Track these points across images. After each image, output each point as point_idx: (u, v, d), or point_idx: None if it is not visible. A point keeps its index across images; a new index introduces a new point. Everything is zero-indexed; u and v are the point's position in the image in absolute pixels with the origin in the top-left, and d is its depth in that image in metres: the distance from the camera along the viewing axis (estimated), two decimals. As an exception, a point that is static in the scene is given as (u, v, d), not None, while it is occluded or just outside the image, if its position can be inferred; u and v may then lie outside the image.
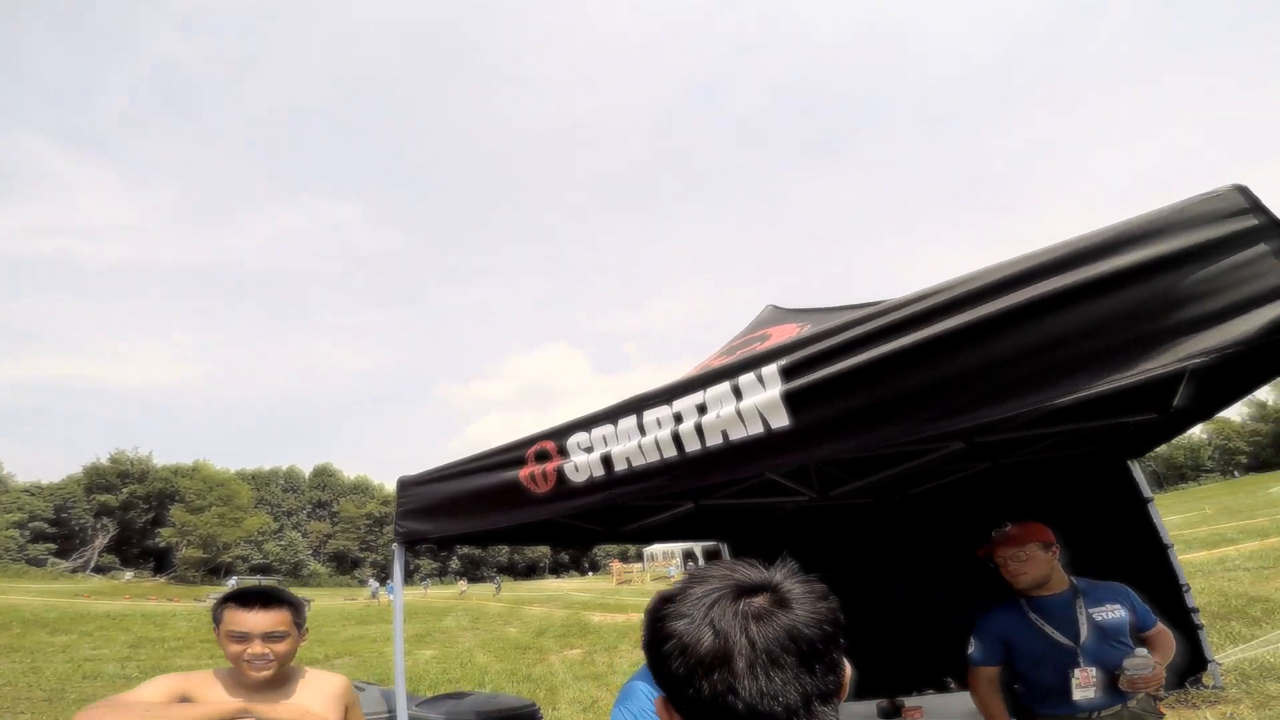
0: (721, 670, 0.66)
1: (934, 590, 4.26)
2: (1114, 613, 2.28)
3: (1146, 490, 4.10)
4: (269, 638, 1.73)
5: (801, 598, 0.71)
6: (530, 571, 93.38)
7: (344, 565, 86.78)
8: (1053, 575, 2.35)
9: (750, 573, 0.74)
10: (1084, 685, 2.18)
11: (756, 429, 1.68)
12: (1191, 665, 3.91)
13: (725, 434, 1.74)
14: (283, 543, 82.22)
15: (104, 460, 73.15)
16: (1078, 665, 2.21)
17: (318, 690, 1.86)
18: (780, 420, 1.64)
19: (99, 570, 60.68)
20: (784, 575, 0.74)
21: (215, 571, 64.80)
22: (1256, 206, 1.30)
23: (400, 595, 2.84)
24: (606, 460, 2.05)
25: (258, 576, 38.31)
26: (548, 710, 8.12)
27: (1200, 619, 3.93)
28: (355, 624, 21.46)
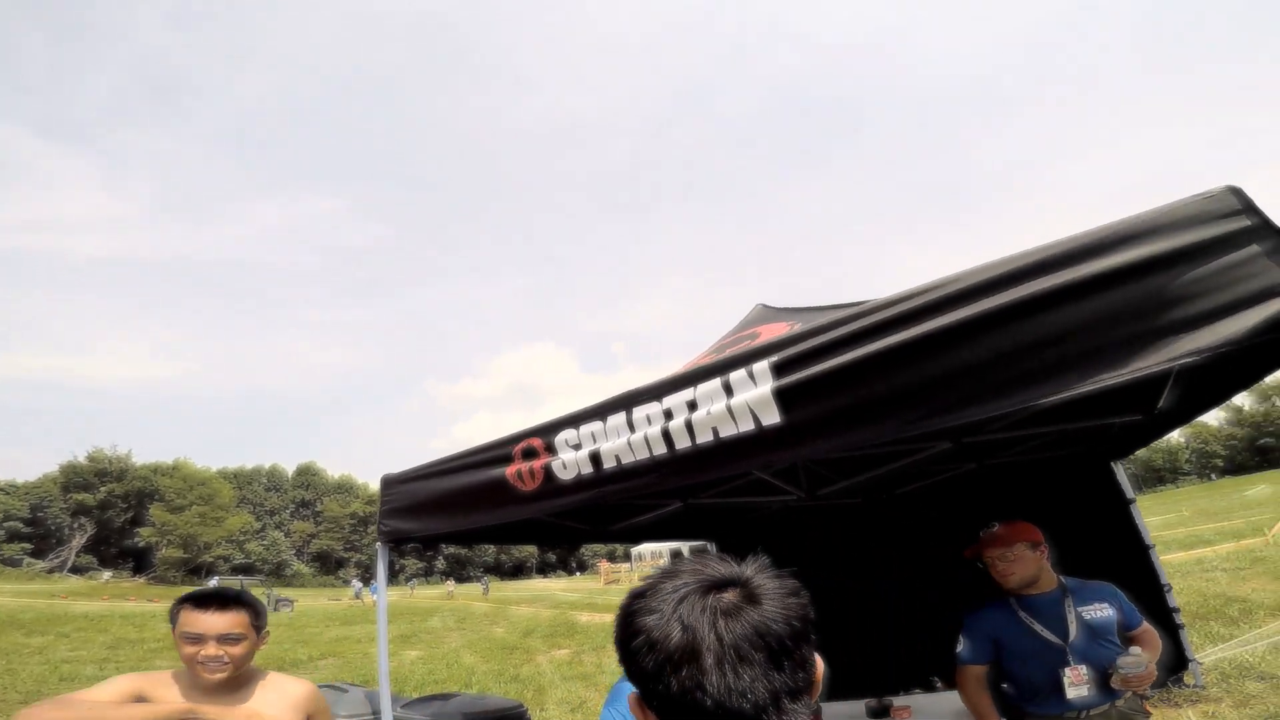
0: (690, 666, 0.65)
1: (922, 590, 4.28)
2: (1102, 611, 2.29)
3: (1129, 491, 4.15)
4: (224, 639, 1.72)
5: (771, 593, 0.70)
6: (517, 571, 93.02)
7: (328, 565, 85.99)
8: (1042, 574, 2.35)
9: (721, 568, 0.73)
10: (1077, 683, 2.18)
11: (748, 426, 1.66)
12: (1173, 664, 3.96)
13: (716, 431, 1.73)
14: (265, 542, 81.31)
15: (81, 459, 71.90)
16: (1067, 664, 2.21)
17: (279, 695, 1.84)
18: (772, 417, 1.62)
19: (76, 570, 59.57)
20: (755, 571, 0.73)
21: (196, 572, 63.92)
22: (1249, 208, 1.30)
23: (384, 595, 2.80)
24: (595, 458, 2.02)
25: (239, 577, 37.86)
26: (535, 711, 8.07)
27: (1180, 619, 3.97)
28: (339, 624, 21.24)
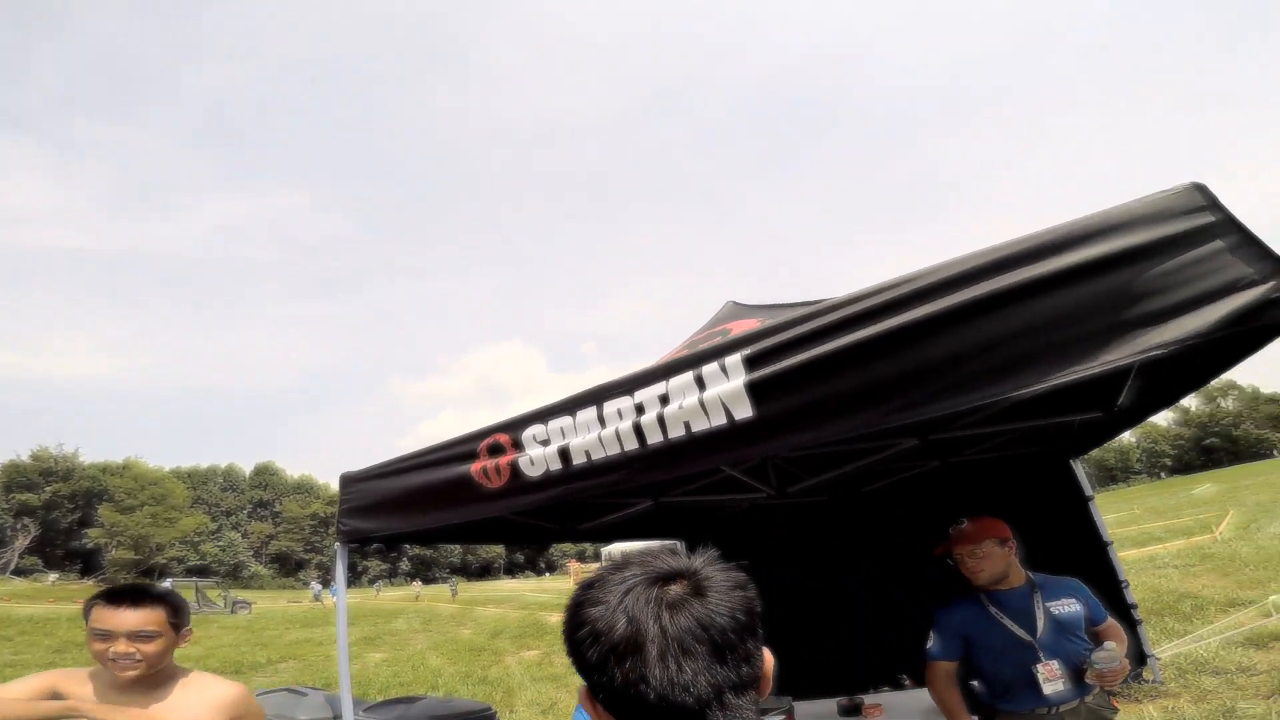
0: (633, 658, 0.65)
1: (889, 587, 4.32)
2: (1069, 606, 2.32)
3: (1088, 489, 4.25)
4: (135, 637, 1.67)
5: (717, 586, 0.70)
6: (484, 572, 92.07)
7: (287, 567, 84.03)
8: (1011, 570, 2.37)
9: (670, 561, 0.73)
10: (1050, 679, 2.20)
11: (720, 420, 1.64)
12: (1133, 660, 4.07)
13: (688, 425, 1.70)
14: (221, 544, 79.09)
15: (24, 457, 69.01)
16: (1038, 660, 2.22)
17: (201, 696, 1.78)
18: (744, 411, 1.60)
19: (19, 573, 57.00)
20: (703, 563, 0.73)
21: (148, 573, 61.78)
22: (1213, 204, 1.33)
23: (343, 596, 2.70)
24: (564, 453, 1.97)
25: (194, 579, 36.70)
26: (505, 713, 7.97)
27: (1138, 615, 4.08)
28: (300, 627, 20.71)
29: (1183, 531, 16.50)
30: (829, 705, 3.60)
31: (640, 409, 1.82)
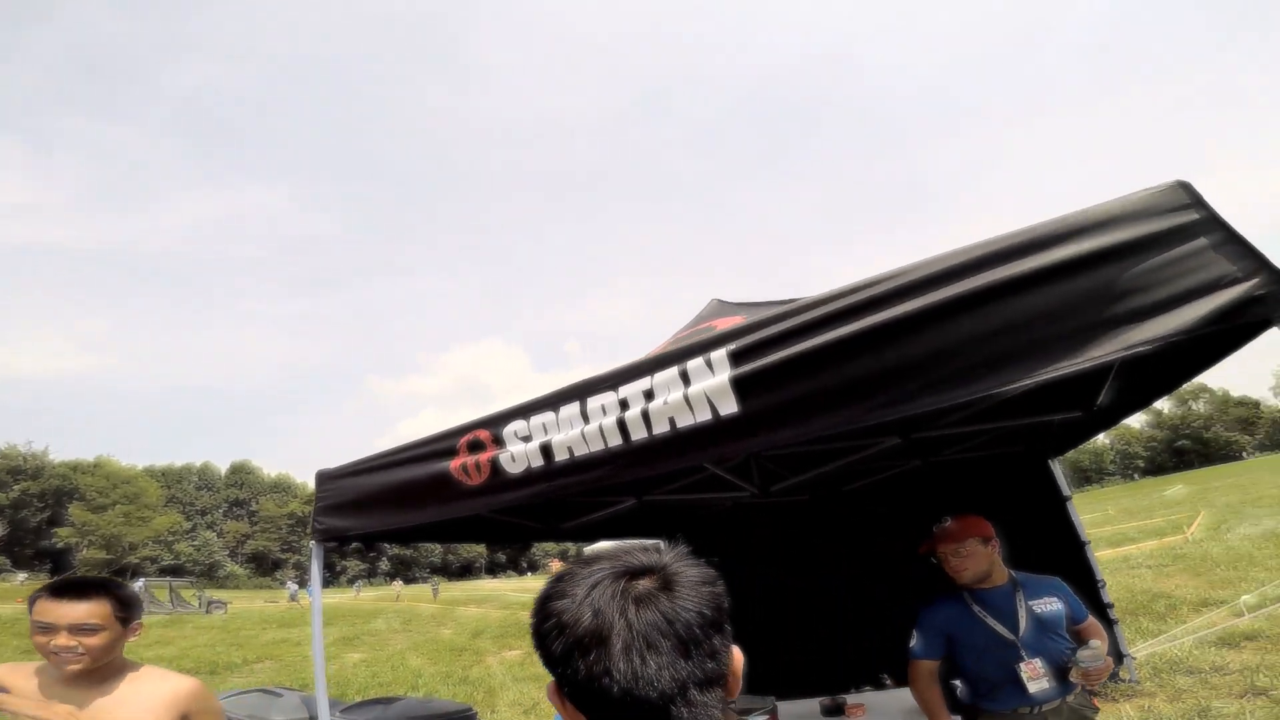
0: (598, 651, 0.65)
1: (870, 586, 4.33)
2: (1051, 605, 2.32)
3: (1065, 489, 4.30)
4: (78, 630, 1.64)
5: (685, 582, 0.70)
6: (465, 571, 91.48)
7: (264, 566, 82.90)
8: (994, 569, 2.37)
9: (641, 556, 0.73)
10: (1034, 677, 2.20)
11: (705, 416, 1.61)
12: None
13: (673, 421, 1.67)
14: (196, 543, 77.85)
15: (-8, 455, 67.36)
16: (1020, 658, 2.22)
17: (150, 691, 1.74)
18: (729, 407, 1.58)
19: (-14, 573, 55.68)
20: (673, 559, 0.73)
21: (120, 573, 60.51)
22: (1198, 202, 1.33)
23: (318, 595, 2.65)
24: (546, 449, 1.94)
25: (167, 579, 36.03)
26: (486, 713, 7.90)
27: (1114, 614, 4.13)
28: (276, 627, 20.41)
29: (1155, 532, 16.81)
30: (812, 705, 3.60)
31: (625, 404, 1.80)
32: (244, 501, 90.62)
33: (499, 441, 2.07)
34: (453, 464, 2.15)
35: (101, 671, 1.71)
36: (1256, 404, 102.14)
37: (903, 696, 3.12)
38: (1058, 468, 4.29)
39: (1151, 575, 10.41)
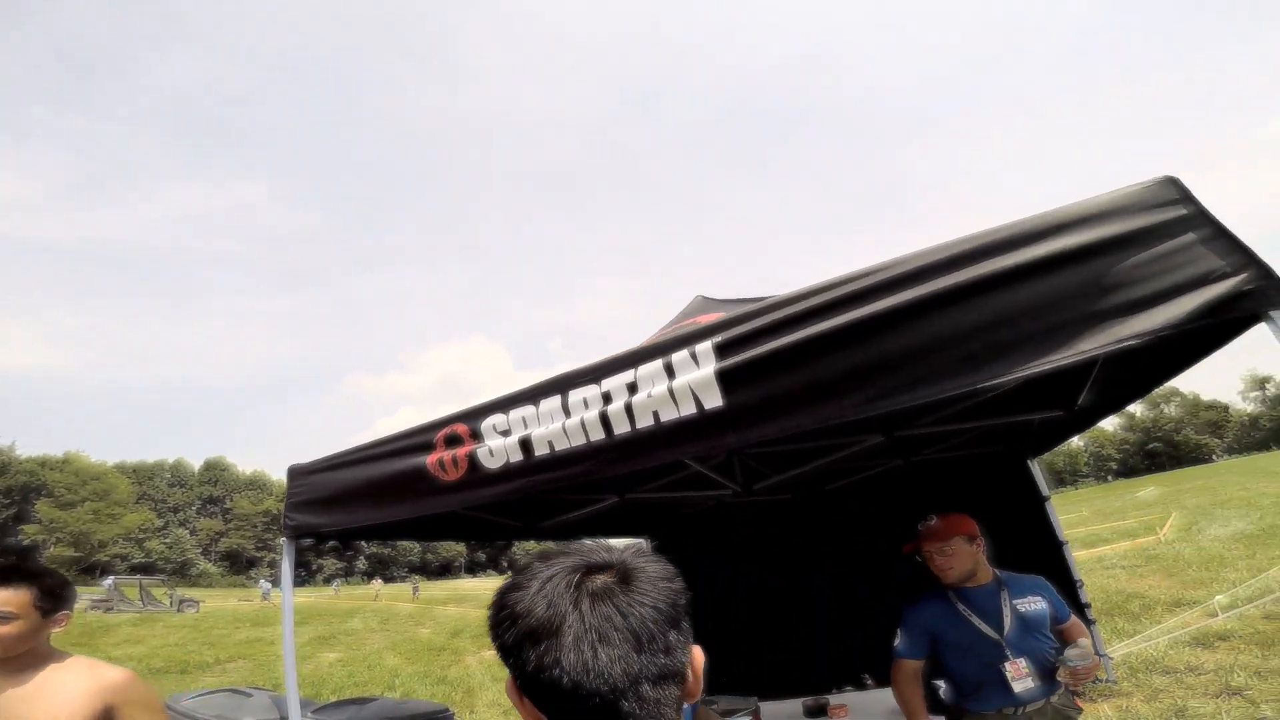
0: (549, 642, 0.65)
1: (852, 585, 4.33)
2: (1035, 604, 2.31)
3: (1044, 489, 4.33)
4: None
5: (643, 577, 0.70)
6: (444, 571, 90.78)
7: (238, 565, 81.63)
8: (978, 568, 2.35)
9: (601, 553, 0.73)
10: (1018, 677, 2.18)
11: (689, 409, 1.57)
12: (1089, 658, 4.14)
13: (657, 415, 1.63)
14: (168, 541, 76.35)
15: (-44, 450, 65.55)
16: (1005, 658, 2.20)
17: (75, 681, 1.70)
18: (714, 400, 1.54)
19: (-52, 572, 54.05)
20: (634, 555, 0.74)
21: (90, 571, 59.37)
22: (1186, 197, 1.33)
23: (289, 592, 2.57)
24: (525, 444, 1.89)
25: (137, 576, 35.32)
26: (465, 713, 7.82)
27: (1092, 614, 4.16)
28: (250, 626, 20.08)
29: (1128, 533, 17.13)
30: (795, 706, 3.58)
31: (607, 398, 1.75)
32: (218, 499, 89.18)
33: (477, 436, 2.01)
34: (429, 459, 2.09)
35: (19, 661, 1.68)
36: (1225, 408, 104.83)
37: (885, 697, 3.11)
38: (1036, 468, 4.32)
39: (1126, 576, 10.59)
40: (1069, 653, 2.13)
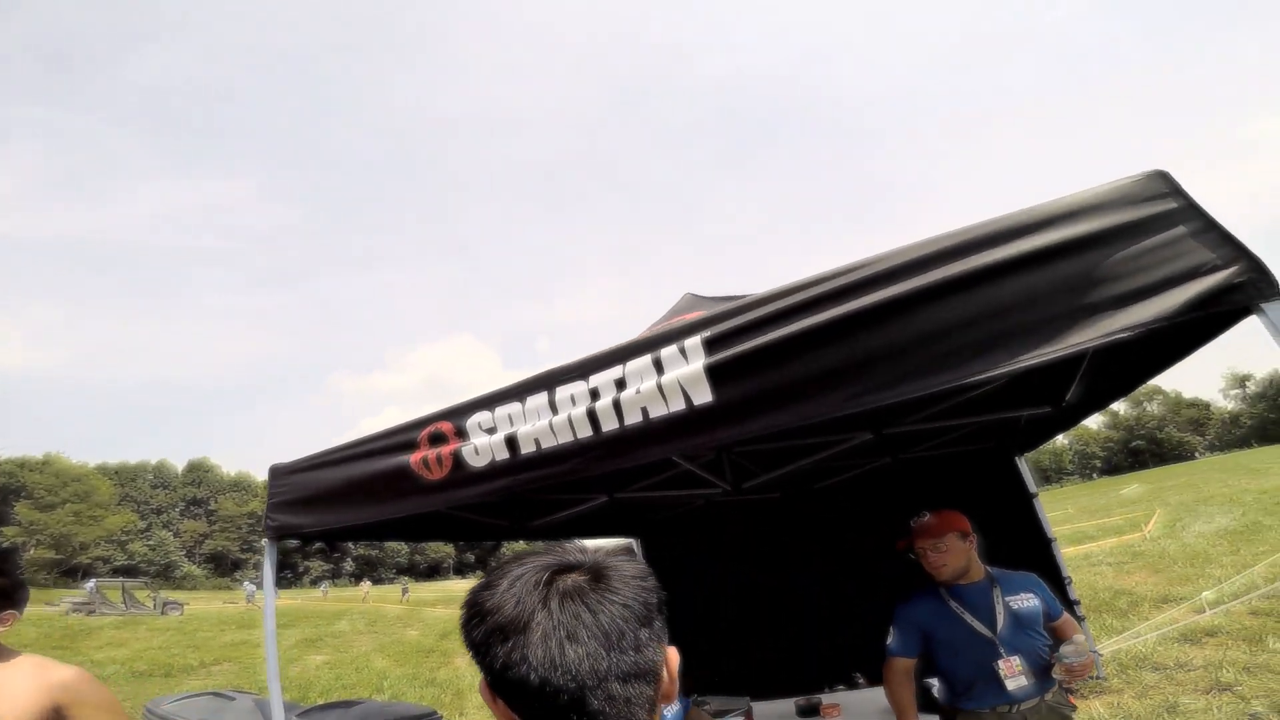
0: (516, 638, 0.65)
1: (843, 583, 4.33)
2: (1028, 601, 2.29)
3: (1032, 486, 4.34)
4: None
5: (614, 576, 0.71)
6: (433, 572, 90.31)
7: (223, 567, 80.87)
8: (971, 565, 2.33)
9: (575, 554, 0.74)
10: (1012, 675, 2.15)
11: (679, 405, 1.55)
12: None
13: (645, 411, 1.60)
14: (151, 543, 75.46)
15: (-67, 451, 64.46)
16: (999, 656, 2.18)
17: (22, 679, 1.65)
18: (703, 396, 1.52)
19: (-75, 576, 53.07)
20: (607, 555, 0.74)
21: (71, 574, 58.59)
22: (1176, 190, 1.32)
23: (271, 594, 2.52)
24: (511, 441, 1.85)
25: (120, 579, 34.85)
26: (454, 715, 7.77)
27: (1081, 611, 4.18)
28: (235, 629, 19.85)
29: (1114, 530, 17.31)
30: (787, 705, 3.56)
31: (595, 394, 1.72)
32: (202, 500, 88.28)
33: (462, 434, 1.98)
34: (413, 457, 2.05)
35: None
36: (1207, 406, 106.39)
37: (877, 696, 3.10)
38: (1024, 465, 4.34)
39: (1112, 572, 10.67)
40: (1064, 650, 2.12)
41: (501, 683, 0.67)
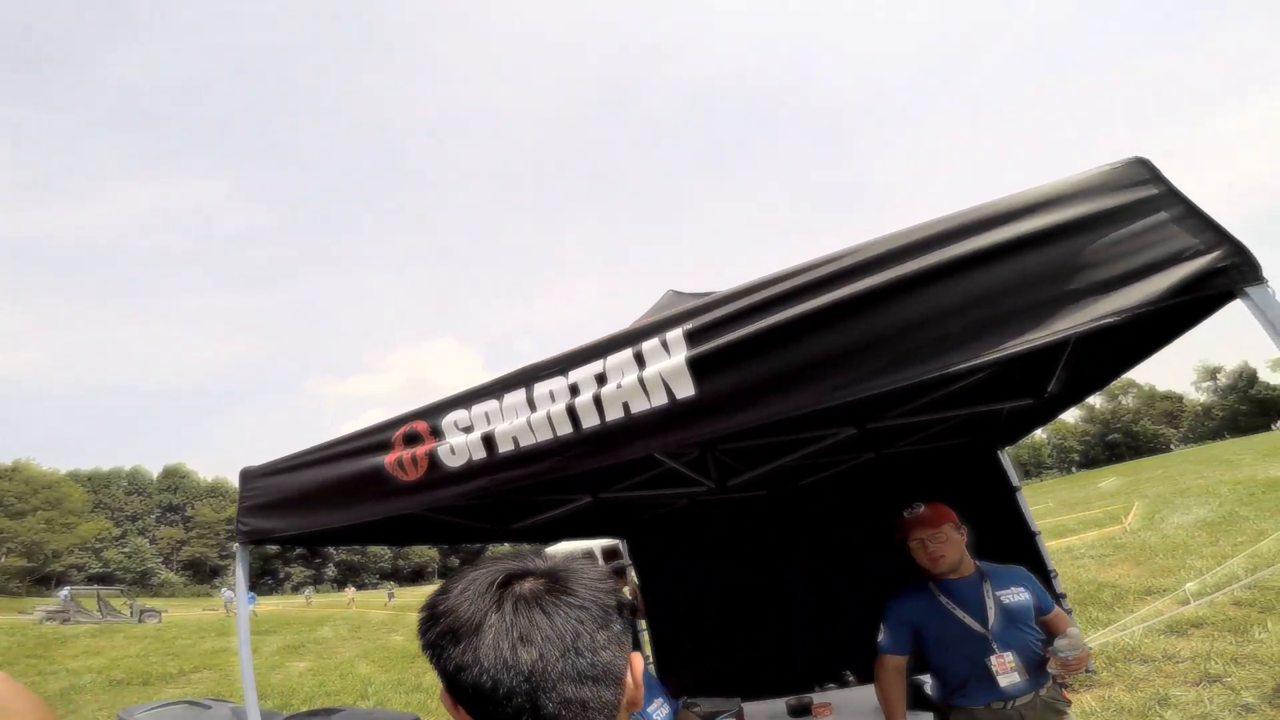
0: (469, 640, 0.65)
1: (830, 579, 4.32)
2: (1019, 595, 2.26)
3: (1014, 479, 4.36)
4: None
5: (574, 580, 0.71)
6: (417, 577, 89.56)
7: (202, 574, 79.63)
8: (963, 558, 2.30)
9: (534, 560, 0.74)
10: (1004, 671, 2.12)
11: (660, 399, 1.51)
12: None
13: (627, 406, 1.56)
14: (126, 550, 74.04)
15: (-101, 460, 62.68)
16: (991, 651, 2.15)
17: None
18: (686, 390, 1.48)
19: (-109, 588, 51.68)
20: (566, 560, 0.74)
21: (44, 582, 57.38)
22: (1156, 177, 1.32)
23: (244, 600, 2.45)
24: (488, 440, 1.80)
25: (95, 587, 34.14)
26: (440, 721, 7.65)
27: (1068, 604, 4.20)
28: (215, 636, 19.54)
29: (1094, 523, 17.55)
30: (778, 705, 3.53)
31: (575, 390, 1.68)
32: (179, 507, 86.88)
33: (437, 433, 1.92)
34: (387, 458, 1.99)
35: None
36: (1180, 398, 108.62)
37: (869, 694, 3.07)
38: (1006, 458, 4.36)
39: (1095, 565, 10.79)
40: (1059, 643, 2.09)
41: (456, 686, 0.66)
